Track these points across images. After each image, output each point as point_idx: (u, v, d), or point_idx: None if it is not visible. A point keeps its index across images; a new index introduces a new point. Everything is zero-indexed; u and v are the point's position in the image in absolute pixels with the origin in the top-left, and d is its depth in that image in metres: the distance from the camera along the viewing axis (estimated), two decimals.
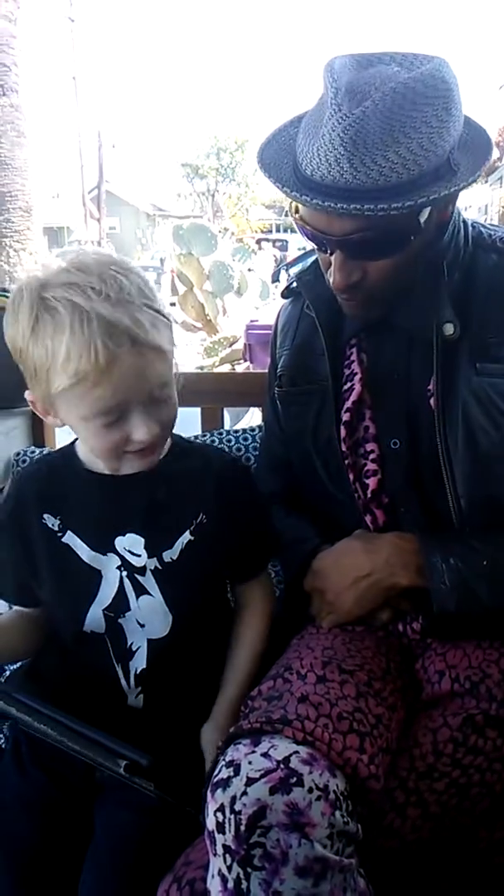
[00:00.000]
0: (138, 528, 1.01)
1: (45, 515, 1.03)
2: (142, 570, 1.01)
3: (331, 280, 1.02)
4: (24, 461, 1.57)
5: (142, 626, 1.01)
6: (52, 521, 1.03)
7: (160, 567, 1.01)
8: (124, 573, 1.01)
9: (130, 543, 1.01)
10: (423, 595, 1.01)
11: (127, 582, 1.01)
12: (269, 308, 6.09)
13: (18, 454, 1.58)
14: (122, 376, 0.87)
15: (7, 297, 2.00)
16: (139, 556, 1.01)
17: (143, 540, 1.01)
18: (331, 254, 1.00)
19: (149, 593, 1.01)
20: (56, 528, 1.03)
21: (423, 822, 0.86)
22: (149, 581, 1.01)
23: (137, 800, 0.92)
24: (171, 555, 1.01)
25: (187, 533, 1.02)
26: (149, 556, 1.01)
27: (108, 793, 0.97)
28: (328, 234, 0.97)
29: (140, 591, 1.01)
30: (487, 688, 0.94)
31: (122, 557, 1.01)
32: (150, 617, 1.01)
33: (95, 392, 0.87)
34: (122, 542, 1.01)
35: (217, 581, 1.05)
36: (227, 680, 1.04)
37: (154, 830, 0.91)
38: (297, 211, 1.01)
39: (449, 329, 1.01)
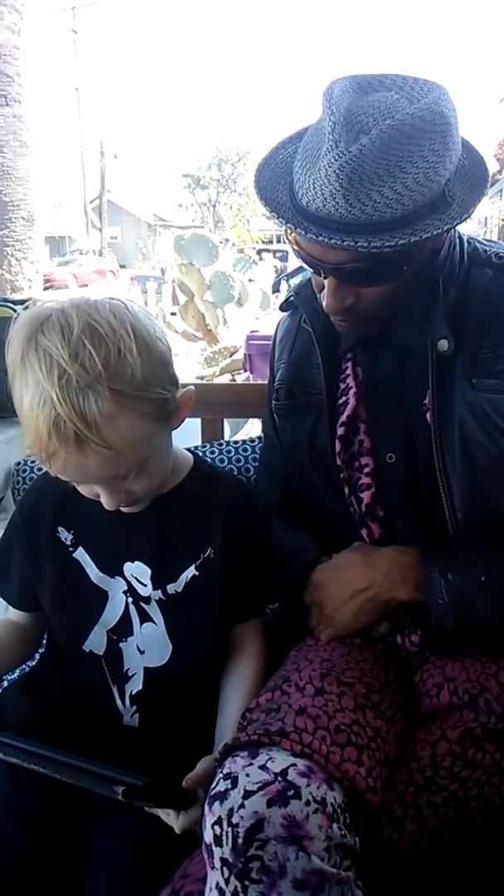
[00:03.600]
0: (147, 557, 1.01)
1: (60, 528, 1.04)
2: (147, 600, 1.01)
3: (324, 303, 1.03)
4: (24, 471, 1.57)
5: (141, 652, 1.01)
6: (65, 535, 1.03)
7: (164, 599, 1.01)
8: (130, 599, 1.01)
9: (138, 572, 1.01)
10: (422, 609, 1.01)
11: (132, 607, 1.01)
12: (269, 318, 6.10)
13: (19, 464, 1.58)
14: (67, 467, 0.86)
15: (8, 307, 2.01)
16: (145, 585, 1.01)
17: (149, 571, 1.01)
18: (324, 278, 1.01)
19: (152, 621, 1.01)
20: (68, 543, 1.03)
21: (422, 836, 0.85)
22: (153, 610, 1.01)
23: (133, 827, 0.91)
24: (175, 588, 1.01)
25: (192, 567, 1.01)
26: (153, 588, 1.01)
27: (103, 818, 0.96)
28: (322, 261, 0.98)
29: (144, 617, 1.01)
30: (486, 701, 0.94)
31: (128, 583, 1.01)
32: (150, 644, 1.00)
33: (47, 463, 0.87)
34: (130, 569, 1.01)
35: (220, 617, 1.03)
36: (222, 728, 0.99)
37: (151, 855, 0.90)
38: (292, 234, 1.01)
39: (443, 345, 1.02)
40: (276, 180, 1.02)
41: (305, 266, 1.04)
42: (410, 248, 0.93)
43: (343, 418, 1.11)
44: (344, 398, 1.12)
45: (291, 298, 1.26)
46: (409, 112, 0.89)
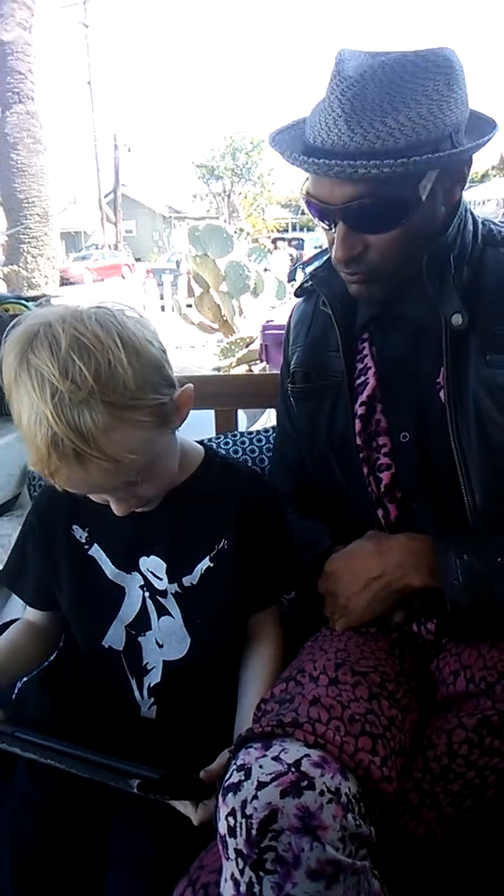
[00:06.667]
0: (162, 551, 1.01)
1: (74, 526, 1.04)
2: (163, 593, 1.01)
3: (334, 255, 1.02)
4: None
5: (160, 646, 1.01)
6: (80, 533, 1.04)
7: (181, 591, 1.01)
8: (147, 593, 1.02)
9: (154, 566, 1.02)
10: (436, 596, 1.00)
11: (149, 602, 1.01)
12: (285, 308, 6.08)
13: None
14: (70, 482, 0.86)
15: (21, 304, 2.01)
16: (161, 579, 1.01)
17: (165, 565, 1.01)
18: (334, 226, 1.00)
19: (170, 614, 1.01)
20: (83, 541, 1.04)
21: (439, 824, 0.85)
22: (170, 603, 1.01)
23: (152, 818, 0.92)
24: (190, 580, 1.01)
25: (207, 559, 1.01)
26: (170, 582, 1.01)
27: (123, 812, 0.97)
28: (329, 203, 0.97)
29: (162, 611, 1.01)
30: (503, 688, 0.93)
31: (144, 578, 1.02)
32: (168, 638, 1.01)
33: (51, 479, 0.86)
34: (145, 563, 1.02)
35: (236, 607, 1.03)
36: (241, 717, 1.00)
37: (171, 847, 0.91)
38: (306, 190, 1.01)
39: (457, 319, 1.01)
40: (291, 138, 1.03)
41: (318, 220, 1.04)
42: (417, 182, 0.94)
43: (363, 397, 1.10)
44: (363, 378, 1.12)
45: (307, 284, 1.26)
46: (413, 52, 0.92)
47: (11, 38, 10.24)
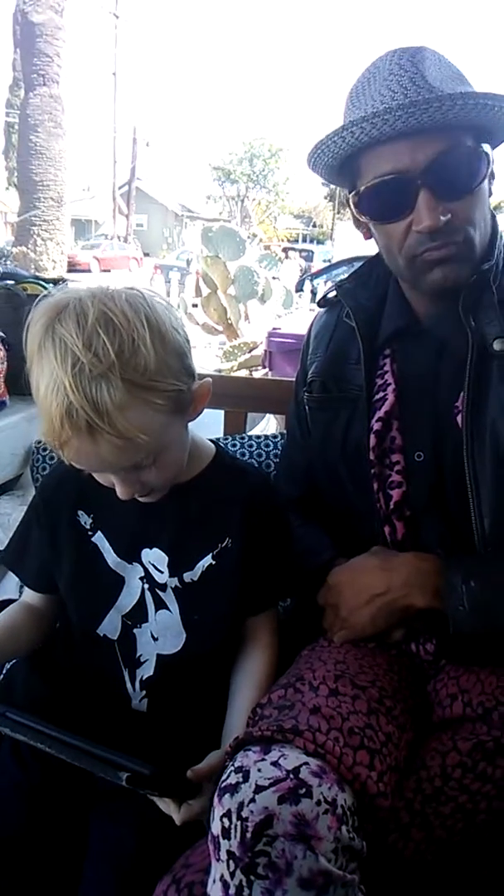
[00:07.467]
0: (165, 544, 1.01)
1: (80, 512, 1.04)
2: (163, 587, 1.01)
3: (421, 226, 0.98)
4: (44, 449, 1.57)
5: (155, 639, 1.01)
6: (84, 519, 1.04)
7: (180, 587, 1.01)
8: (146, 585, 1.01)
9: (156, 559, 1.01)
10: (437, 617, 1.00)
11: (148, 594, 1.01)
12: (291, 317, 6.09)
13: (39, 442, 1.58)
14: (79, 455, 0.87)
15: (39, 284, 2.01)
16: (162, 572, 1.01)
17: (167, 558, 1.01)
18: (412, 203, 0.99)
19: (167, 608, 1.01)
20: (87, 527, 1.03)
21: (427, 845, 0.85)
22: (169, 597, 1.01)
23: (134, 813, 0.91)
24: (191, 576, 1.01)
25: (209, 556, 1.01)
26: (170, 575, 1.01)
27: (104, 802, 0.96)
28: (411, 169, 0.97)
29: (160, 604, 1.01)
30: (500, 715, 0.93)
31: (145, 569, 1.01)
32: (164, 632, 1.01)
33: (61, 451, 0.87)
34: (147, 556, 1.02)
35: (235, 608, 1.03)
36: (231, 721, 0.99)
37: (151, 842, 0.90)
38: (371, 179, 1.01)
39: (499, 345, 1.01)
40: (329, 138, 1.03)
41: (385, 212, 1.03)
42: (481, 152, 1.00)
43: (380, 413, 1.10)
44: (381, 394, 1.12)
45: (331, 295, 1.26)
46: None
47: (42, 19, 10.25)
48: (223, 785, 0.75)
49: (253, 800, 0.71)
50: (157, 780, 0.81)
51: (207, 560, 1.01)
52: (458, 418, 1.03)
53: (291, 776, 0.73)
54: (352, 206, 1.08)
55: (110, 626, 1.01)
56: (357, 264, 1.28)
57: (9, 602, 1.14)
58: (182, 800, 0.88)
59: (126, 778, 0.78)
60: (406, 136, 0.96)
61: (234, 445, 1.54)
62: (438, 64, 0.99)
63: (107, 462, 0.87)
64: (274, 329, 4.57)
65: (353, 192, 1.06)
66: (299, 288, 9.67)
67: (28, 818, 0.95)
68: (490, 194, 1.06)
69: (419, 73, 0.97)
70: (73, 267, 17.71)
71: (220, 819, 0.73)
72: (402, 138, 0.96)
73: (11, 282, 1.91)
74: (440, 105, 0.92)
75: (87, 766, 0.82)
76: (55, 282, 1.97)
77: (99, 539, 1.03)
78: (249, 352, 5.77)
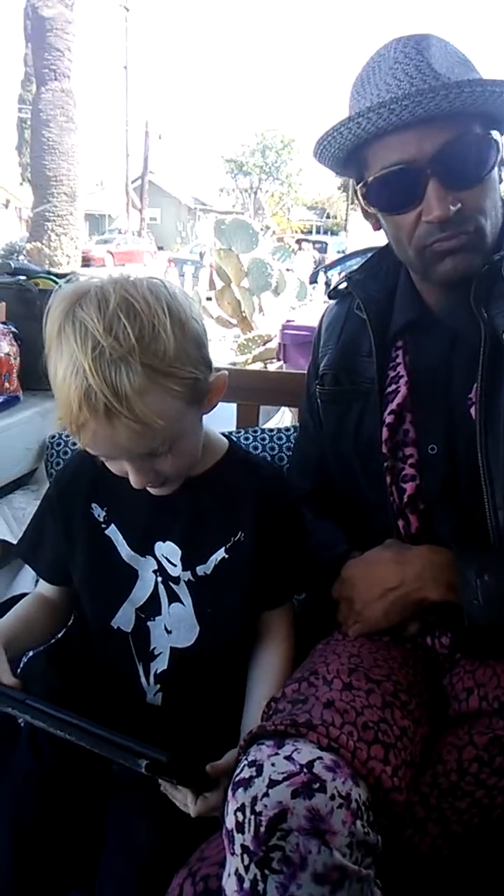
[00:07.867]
0: (178, 538, 1.01)
1: (94, 504, 1.04)
2: (176, 580, 1.01)
3: (431, 216, 0.97)
4: (58, 444, 1.57)
5: (169, 632, 1.01)
6: (98, 512, 1.04)
7: (193, 580, 1.01)
8: (159, 578, 1.01)
9: (169, 552, 1.01)
10: (452, 610, 1.00)
11: (161, 587, 1.01)
12: (305, 309, 6.06)
13: (53, 437, 1.59)
14: (95, 440, 0.87)
15: (51, 280, 2.01)
16: (175, 566, 1.01)
17: (180, 551, 1.01)
18: (421, 194, 0.98)
19: (181, 602, 1.01)
20: (101, 520, 1.04)
21: (443, 840, 0.84)
22: (182, 590, 1.01)
23: (152, 804, 0.91)
24: (204, 569, 1.01)
25: (222, 550, 1.01)
26: (183, 569, 1.01)
27: (122, 794, 0.96)
28: (418, 158, 0.96)
29: (173, 598, 1.01)
30: None
31: (159, 563, 1.01)
32: (178, 625, 1.01)
33: (77, 435, 0.88)
34: (161, 549, 1.02)
35: (248, 601, 1.02)
36: (248, 715, 0.99)
37: (168, 835, 0.90)
38: (378, 169, 1.00)
39: None
40: (336, 129, 1.02)
41: (395, 201, 1.02)
42: (491, 140, 0.99)
43: (393, 406, 1.09)
44: (394, 386, 1.11)
45: (342, 286, 1.24)
46: None
47: (52, 14, 10.24)
48: (237, 779, 0.75)
49: (266, 794, 0.71)
50: (176, 767, 0.82)
51: (220, 554, 1.01)
52: (472, 410, 1.02)
53: (305, 770, 0.73)
54: (360, 198, 1.07)
55: (124, 618, 1.01)
56: (371, 255, 1.27)
57: (25, 596, 1.15)
58: (199, 791, 0.88)
59: (145, 765, 0.79)
60: (413, 126, 0.94)
61: (246, 439, 1.53)
62: (444, 51, 0.98)
63: (123, 448, 0.87)
64: (288, 321, 4.56)
65: (360, 184, 1.05)
66: (313, 280, 9.62)
67: (45, 809, 0.95)
68: (501, 181, 1.04)
69: (425, 61, 0.95)
70: (87, 262, 17.75)
71: (234, 813, 0.73)
72: (408, 128, 0.95)
73: (24, 277, 1.91)
74: (447, 93, 0.91)
75: (107, 754, 0.82)
76: (66, 276, 1.96)
77: (112, 532, 1.03)
78: (264, 344, 5.75)
